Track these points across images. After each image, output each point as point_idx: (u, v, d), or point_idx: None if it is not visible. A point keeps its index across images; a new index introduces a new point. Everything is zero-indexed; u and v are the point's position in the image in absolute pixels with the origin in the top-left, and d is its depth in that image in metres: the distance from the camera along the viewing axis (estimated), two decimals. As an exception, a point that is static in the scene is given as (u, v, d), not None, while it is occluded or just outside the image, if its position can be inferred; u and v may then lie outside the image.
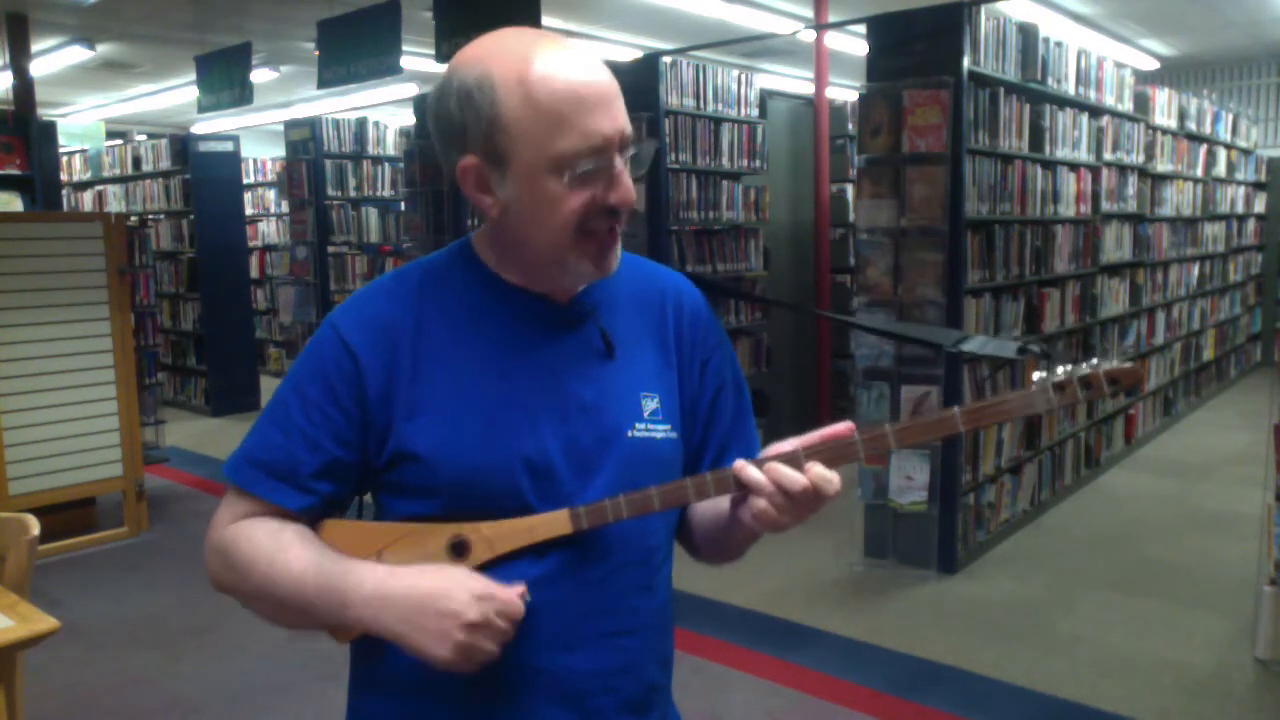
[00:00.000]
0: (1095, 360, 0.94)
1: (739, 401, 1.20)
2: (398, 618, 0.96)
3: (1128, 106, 5.87)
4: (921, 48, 4.09)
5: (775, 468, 0.97)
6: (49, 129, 7.42)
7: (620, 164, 0.99)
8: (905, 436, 0.98)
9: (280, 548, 1.02)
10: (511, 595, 0.97)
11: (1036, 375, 0.95)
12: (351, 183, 8.47)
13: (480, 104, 0.97)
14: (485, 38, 1.01)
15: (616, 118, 0.98)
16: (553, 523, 1.02)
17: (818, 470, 0.96)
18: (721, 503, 1.08)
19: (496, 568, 1.02)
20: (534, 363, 1.06)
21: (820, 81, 6.06)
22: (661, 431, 1.09)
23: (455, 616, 0.94)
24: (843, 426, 0.99)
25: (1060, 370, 0.94)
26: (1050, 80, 4.83)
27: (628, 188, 0.99)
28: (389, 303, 1.07)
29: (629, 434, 1.07)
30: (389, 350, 1.05)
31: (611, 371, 1.09)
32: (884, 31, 4.23)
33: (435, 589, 0.96)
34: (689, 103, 5.35)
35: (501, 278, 1.09)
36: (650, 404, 1.09)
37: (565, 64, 0.96)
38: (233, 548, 1.04)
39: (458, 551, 1.02)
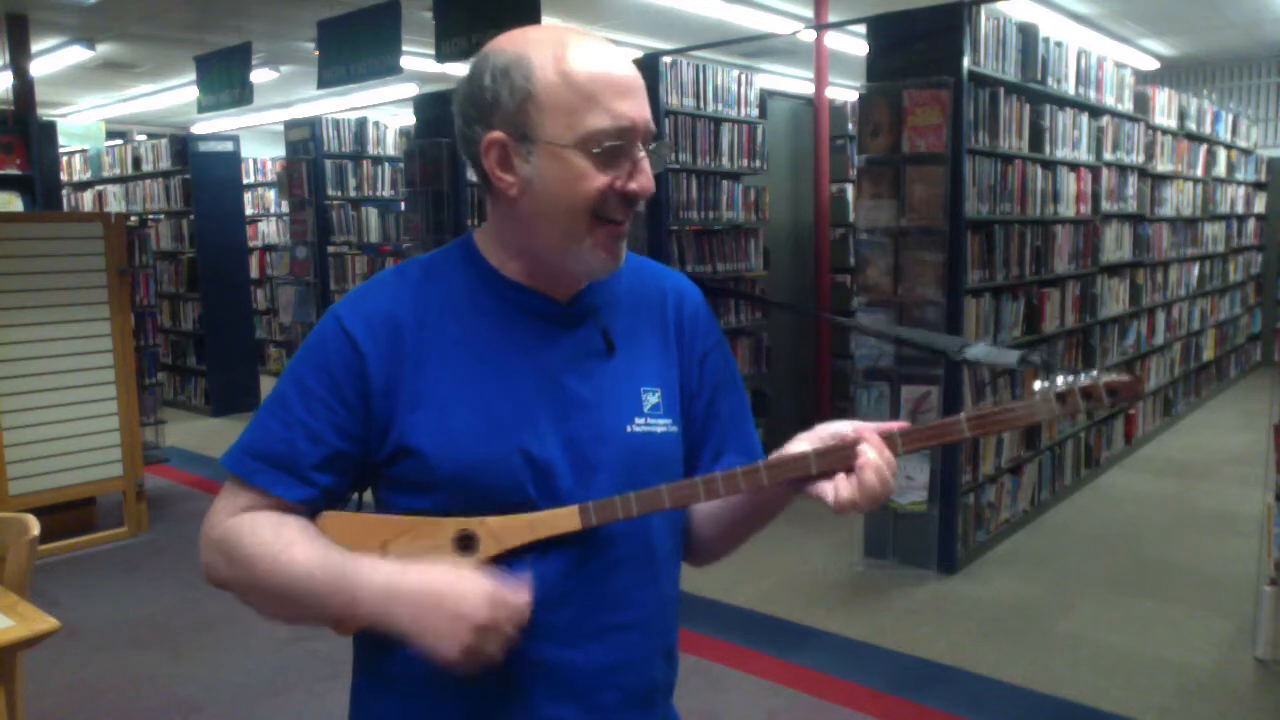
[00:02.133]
0: (1095, 372, 0.95)
1: (737, 401, 1.21)
2: (408, 616, 0.96)
3: (1128, 106, 5.87)
4: (921, 48, 4.09)
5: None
6: (49, 129, 7.43)
7: (643, 152, 1.02)
8: (910, 442, 1.00)
9: (285, 542, 1.01)
10: (521, 600, 0.97)
11: (1038, 384, 0.95)
12: (351, 183, 8.47)
13: (515, 78, 1.00)
14: (520, 29, 1.06)
15: (643, 108, 1.02)
16: (561, 519, 1.02)
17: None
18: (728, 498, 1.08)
19: (501, 562, 1.02)
20: (534, 361, 1.07)
21: (820, 81, 6.06)
22: (662, 426, 1.10)
23: (465, 619, 0.94)
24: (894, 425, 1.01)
25: (1061, 380, 0.95)
26: (1050, 80, 4.83)
27: (649, 176, 1.02)
28: (391, 297, 1.08)
29: (628, 429, 1.07)
30: (392, 344, 1.05)
31: (611, 369, 1.09)
32: (884, 31, 4.23)
33: (446, 589, 0.96)
34: (689, 103, 5.35)
35: (503, 275, 1.09)
36: (651, 398, 1.10)
37: (601, 51, 1.01)
38: (234, 542, 1.03)
39: (464, 546, 1.02)
